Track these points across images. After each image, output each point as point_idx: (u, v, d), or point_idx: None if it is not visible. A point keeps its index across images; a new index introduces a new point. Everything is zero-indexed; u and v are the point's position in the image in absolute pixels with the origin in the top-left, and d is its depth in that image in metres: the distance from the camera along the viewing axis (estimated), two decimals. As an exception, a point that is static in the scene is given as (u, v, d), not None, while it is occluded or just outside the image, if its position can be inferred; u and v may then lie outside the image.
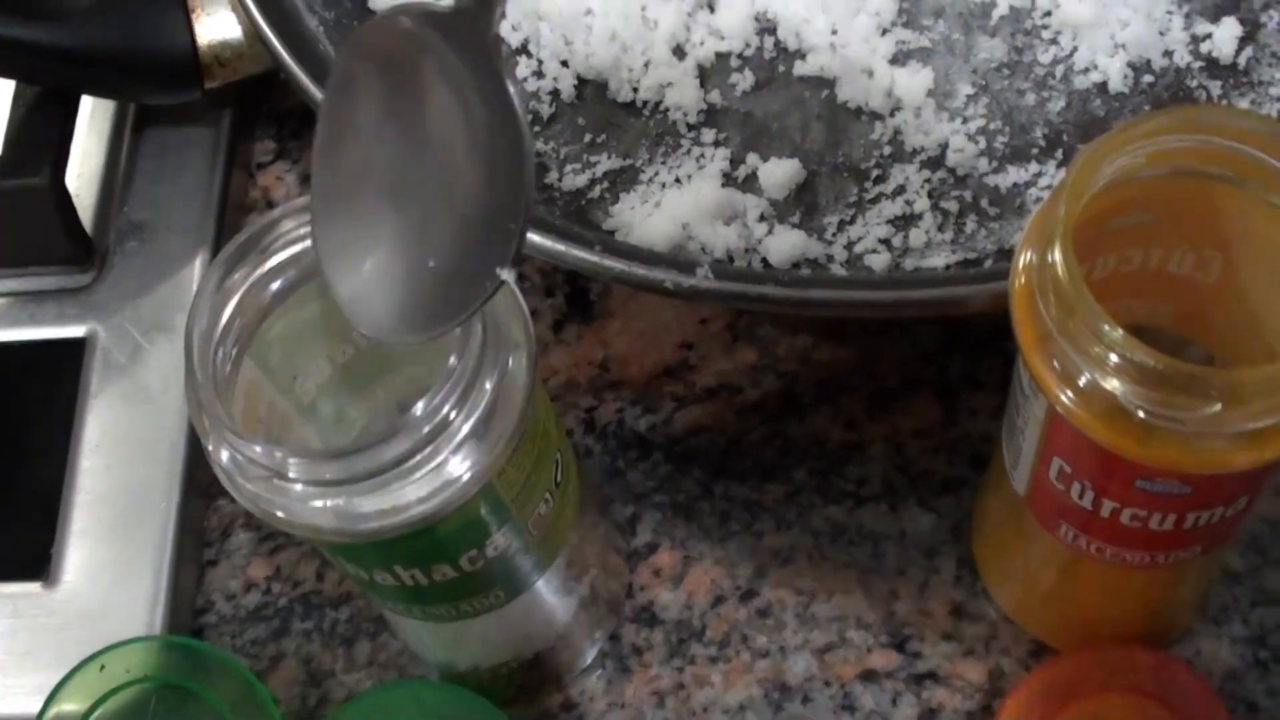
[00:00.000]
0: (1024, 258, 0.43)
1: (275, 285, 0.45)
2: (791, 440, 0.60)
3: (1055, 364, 0.41)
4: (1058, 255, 0.40)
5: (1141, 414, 0.40)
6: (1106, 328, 0.39)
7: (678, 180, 0.62)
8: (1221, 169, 0.43)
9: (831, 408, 0.60)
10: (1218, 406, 0.39)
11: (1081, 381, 0.40)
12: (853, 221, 0.61)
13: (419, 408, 0.41)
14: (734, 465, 0.60)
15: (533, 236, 0.55)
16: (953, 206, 0.61)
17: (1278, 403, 0.39)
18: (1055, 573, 0.52)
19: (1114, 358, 0.39)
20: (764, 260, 0.60)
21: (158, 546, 0.61)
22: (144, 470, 0.63)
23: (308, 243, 0.44)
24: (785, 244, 0.60)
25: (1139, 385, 0.39)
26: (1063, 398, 0.41)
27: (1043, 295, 0.41)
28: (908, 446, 0.60)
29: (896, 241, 0.60)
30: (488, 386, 0.42)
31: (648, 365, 0.62)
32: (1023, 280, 0.42)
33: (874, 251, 0.60)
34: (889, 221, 0.61)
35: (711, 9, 0.65)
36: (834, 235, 0.61)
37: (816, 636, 0.57)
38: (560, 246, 0.55)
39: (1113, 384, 0.40)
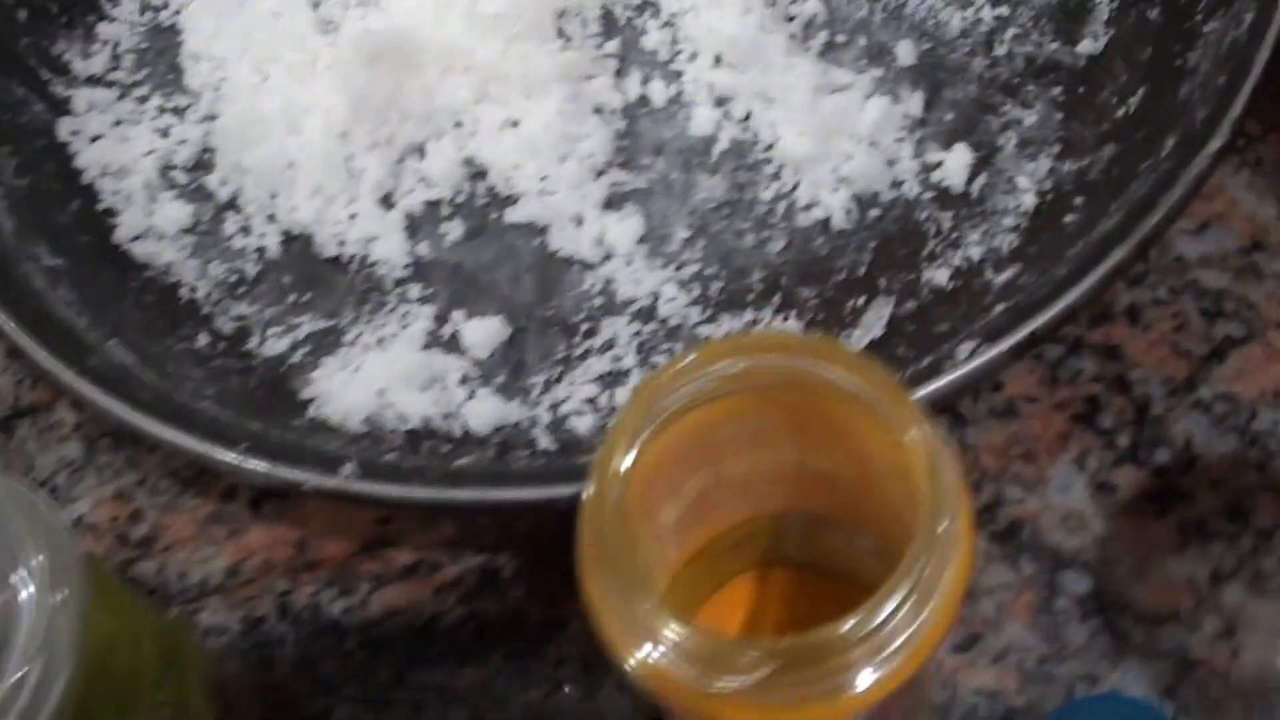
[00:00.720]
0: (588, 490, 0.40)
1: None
2: (489, 619, 0.57)
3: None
4: (607, 519, 0.37)
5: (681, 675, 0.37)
6: (644, 604, 0.36)
7: (380, 342, 0.59)
8: (787, 384, 0.40)
9: (531, 582, 0.57)
10: (765, 671, 0.36)
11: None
12: (559, 380, 0.58)
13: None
14: (429, 649, 0.57)
15: (171, 434, 0.52)
16: (663, 361, 0.58)
17: (831, 666, 0.36)
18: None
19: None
20: (464, 429, 0.57)
21: None
22: None
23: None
24: (485, 410, 0.57)
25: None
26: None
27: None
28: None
29: (603, 401, 0.57)
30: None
31: (345, 543, 0.59)
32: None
33: (579, 414, 0.57)
34: (596, 379, 0.58)
35: (421, 155, 0.62)
36: (540, 396, 0.58)
37: (512, 833, 0.54)
38: (200, 447, 0.52)
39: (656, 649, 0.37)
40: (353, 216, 0.61)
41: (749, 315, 0.58)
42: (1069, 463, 0.57)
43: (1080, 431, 0.58)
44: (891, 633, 0.37)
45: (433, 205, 0.62)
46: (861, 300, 0.58)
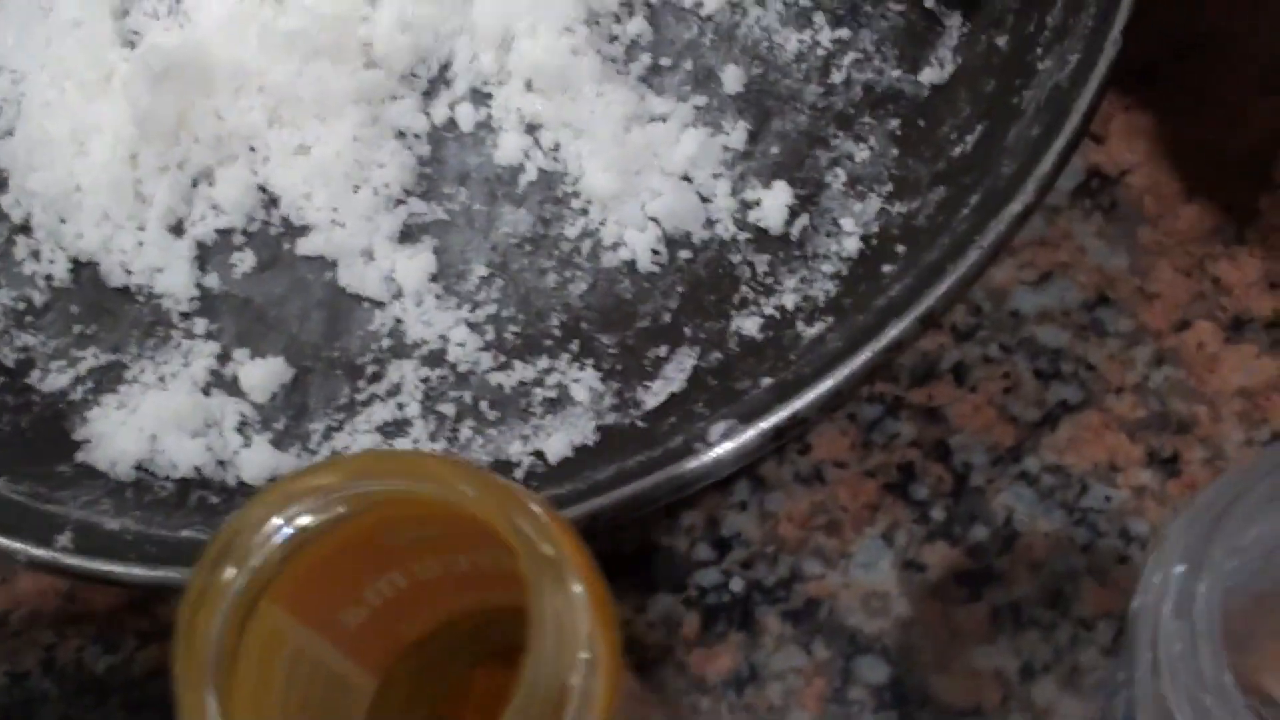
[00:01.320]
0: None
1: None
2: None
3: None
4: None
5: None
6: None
7: (161, 380, 0.56)
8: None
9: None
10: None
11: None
12: (340, 428, 0.54)
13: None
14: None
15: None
16: (449, 410, 0.54)
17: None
18: None
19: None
20: (237, 478, 0.53)
21: None
22: None
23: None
24: (259, 459, 0.53)
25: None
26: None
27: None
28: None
29: (382, 453, 0.53)
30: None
31: (113, 595, 0.55)
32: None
33: (355, 467, 0.53)
34: (378, 428, 0.54)
35: (212, 181, 0.58)
36: (319, 444, 0.54)
37: None
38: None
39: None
40: (140, 244, 0.58)
41: (544, 363, 0.54)
42: (876, 537, 0.53)
43: (891, 502, 0.53)
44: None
45: (224, 234, 0.58)
46: (664, 349, 0.53)
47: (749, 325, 0.54)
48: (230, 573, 0.35)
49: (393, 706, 0.45)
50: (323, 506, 0.36)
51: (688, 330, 0.54)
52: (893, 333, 0.47)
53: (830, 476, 0.54)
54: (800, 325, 0.54)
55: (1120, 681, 0.40)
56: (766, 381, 0.49)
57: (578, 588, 0.34)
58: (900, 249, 0.54)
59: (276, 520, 0.36)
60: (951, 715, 0.50)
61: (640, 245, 0.55)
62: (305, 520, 0.36)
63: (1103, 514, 0.52)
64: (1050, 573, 0.52)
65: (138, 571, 0.48)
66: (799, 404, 0.46)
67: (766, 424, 0.46)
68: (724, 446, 0.46)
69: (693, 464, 0.46)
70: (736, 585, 0.53)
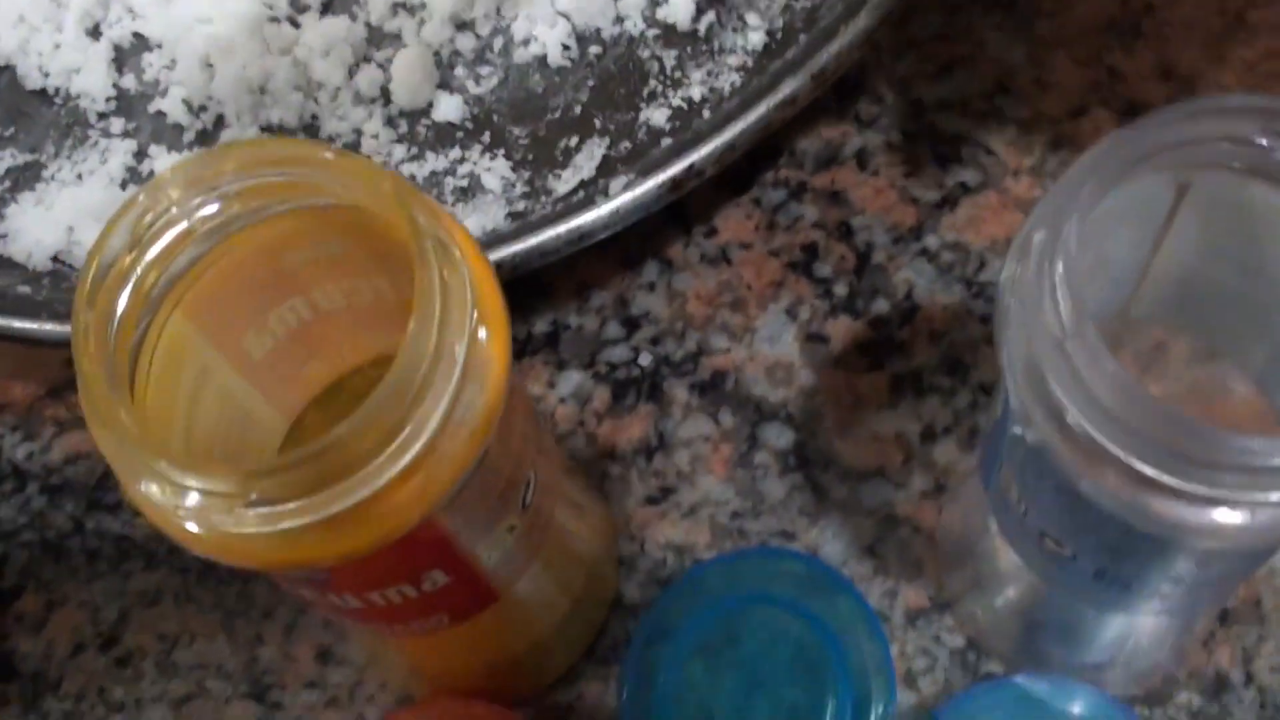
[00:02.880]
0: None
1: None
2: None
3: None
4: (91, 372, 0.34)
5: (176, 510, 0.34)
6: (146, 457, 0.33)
7: (78, 177, 0.56)
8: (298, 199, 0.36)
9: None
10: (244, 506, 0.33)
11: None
12: (255, 219, 0.55)
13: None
14: (108, 496, 0.54)
15: None
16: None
17: (314, 500, 0.33)
18: (386, 647, 0.47)
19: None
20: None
21: None
22: None
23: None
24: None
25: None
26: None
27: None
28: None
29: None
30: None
31: (33, 385, 0.56)
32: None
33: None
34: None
35: (128, -16, 0.59)
36: (235, 235, 0.55)
37: (175, 687, 0.52)
38: None
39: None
40: (57, 47, 0.58)
41: (456, 154, 0.55)
42: (780, 312, 0.54)
43: (795, 280, 0.54)
44: (407, 437, 0.33)
45: (140, 37, 0.58)
46: (574, 140, 0.54)
47: (657, 116, 0.55)
48: (129, 256, 0.36)
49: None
50: (220, 199, 0.36)
51: (597, 122, 0.55)
52: (786, 90, 0.48)
53: (736, 257, 0.55)
54: (706, 114, 0.55)
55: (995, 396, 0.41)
56: (667, 143, 0.50)
57: (465, 269, 0.35)
58: (803, 38, 0.55)
59: (175, 210, 0.36)
60: (855, 476, 0.51)
61: (551, 40, 0.56)
62: (207, 210, 0.36)
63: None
64: (950, 342, 0.53)
65: (50, 327, 0.48)
66: (695, 156, 0.47)
67: (664, 175, 0.47)
68: (623, 197, 0.47)
69: (592, 215, 0.47)
70: (645, 360, 0.54)
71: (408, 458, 0.34)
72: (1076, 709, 0.47)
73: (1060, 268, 0.33)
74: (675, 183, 0.47)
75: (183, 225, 0.36)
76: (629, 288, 0.55)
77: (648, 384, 0.53)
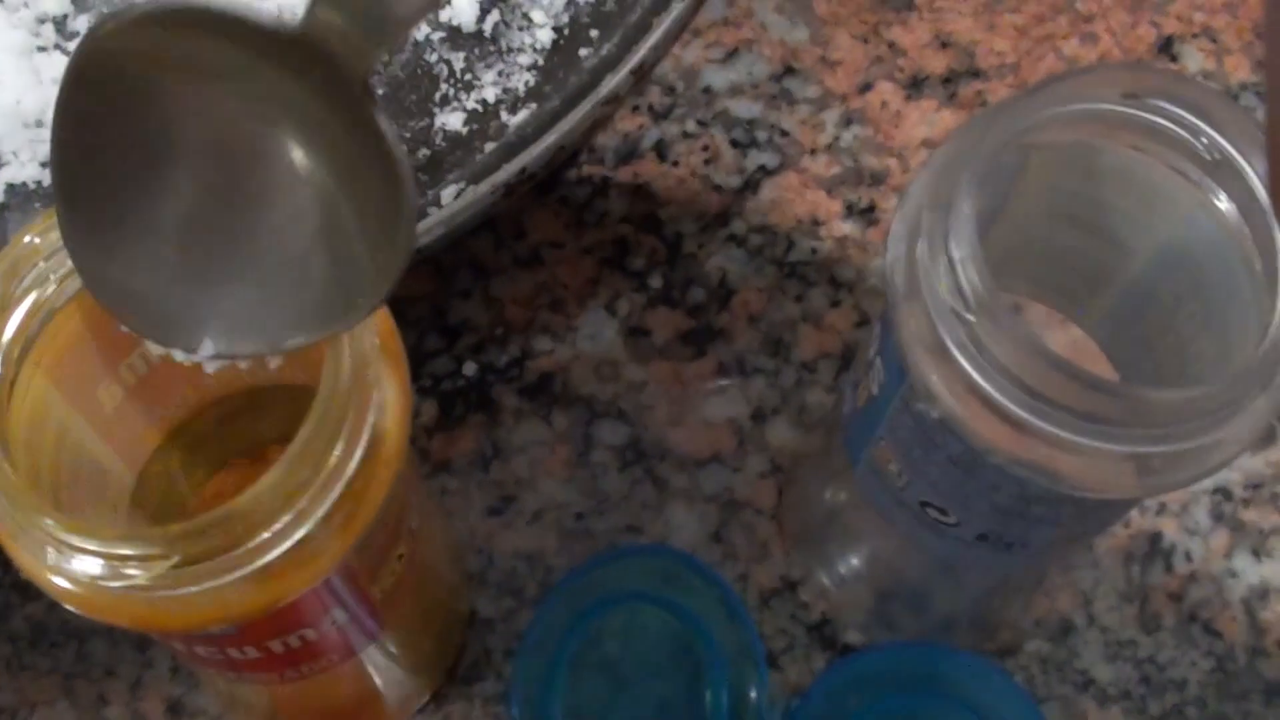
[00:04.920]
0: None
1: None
2: (-17, 530, 0.51)
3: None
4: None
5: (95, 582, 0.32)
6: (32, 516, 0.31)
7: None
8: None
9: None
10: (168, 565, 0.31)
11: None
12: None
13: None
14: (-83, 567, 0.51)
15: None
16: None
17: (247, 545, 0.32)
18: (243, 691, 0.46)
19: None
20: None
21: None
22: None
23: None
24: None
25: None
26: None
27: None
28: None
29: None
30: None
31: None
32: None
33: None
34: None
35: None
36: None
37: (15, 760, 0.49)
38: None
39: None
40: None
41: (250, 175, 0.53)
42: (599, 309, 0.54)
43: (610, 275, 0.54)
44: (308, 504, 0.32)
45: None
46: (371, 151, 0.53)
47: (453, 120, 0.54)
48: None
49: (149, 503, 0.44)
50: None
51: (391, 130, 0.54)
52: (607, 86, 0.48)
53: (549, 257, 0.55)
54: (504, 115, 0.54)
55: (860, 375, 0.42)
56: (490, 146, 0.49)
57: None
58: (594, 34, 0.55)
59: (43, 263, 0.34)
60: (692, 464, 0.52)
61: (333, 51, 0.55)
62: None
63: (810, 265, 0.55)
64: (768, 323, 0.54)
65: None
66: (527, 158, 0.47)
67: (497, 179, 0.47)
68: (455, 205, 0.46)
69: (424, 225, 0.46)
70: (469, 370, 0.53)
71: (332, 497, 0.33)
72: (942, 669, 0.48)
73: (958, 247, 0.34)
74: (509, 187, 0.46)
75: (48, 280, 0.35)
76: (444, 296, 0.54)
77: (475, 394, 0.53)
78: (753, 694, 0.46)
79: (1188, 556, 0.50)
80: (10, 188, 0.53)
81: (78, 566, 0.32)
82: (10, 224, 0.52)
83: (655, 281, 0.54)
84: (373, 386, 0.33)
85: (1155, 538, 0.50)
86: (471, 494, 0.51)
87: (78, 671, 0.50)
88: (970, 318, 0.34)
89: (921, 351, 0.36)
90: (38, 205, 0.52)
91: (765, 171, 0.56)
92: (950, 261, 0.34)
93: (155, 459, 0.43)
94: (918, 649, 0.47)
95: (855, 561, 0.50)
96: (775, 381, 0.52)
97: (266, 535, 0.32)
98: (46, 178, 0.53)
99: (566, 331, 0.53)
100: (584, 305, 0.53)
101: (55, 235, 0.34)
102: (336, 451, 0.32)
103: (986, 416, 0.35)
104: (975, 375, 0.34)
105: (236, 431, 0.46)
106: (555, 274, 0.54)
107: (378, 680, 0.46)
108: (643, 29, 0.48)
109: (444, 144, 0.52)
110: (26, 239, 0.34)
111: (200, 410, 0.43)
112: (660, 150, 0.56)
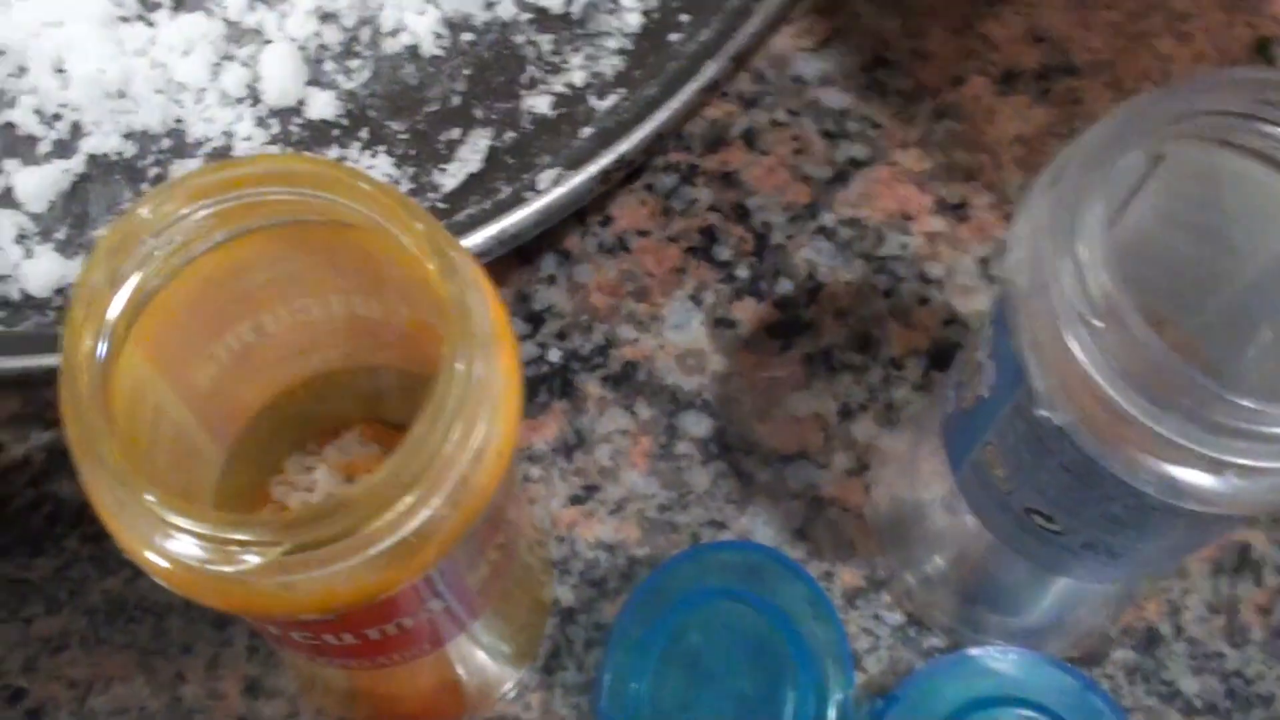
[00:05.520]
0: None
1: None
2: (63, 503, 0.51)
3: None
4: (84, 407, 0.31)
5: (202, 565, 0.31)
6: (137, 495, 0.30)
7: (-75, 197, 0.52)
8: (298, 219, 0.34)
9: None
10: (278, 552, 0.31)
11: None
12: (126, 234, 0.51)
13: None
14: (-6, 537, 0.51)
15: None
16: (242, 207, 0.51)
17: (353, 536, 0.31)
18: (324, 674, 0.45)
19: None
20: (22, 291, 0.51)
21: None
22: None
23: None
24: (44, 269, 0.51)
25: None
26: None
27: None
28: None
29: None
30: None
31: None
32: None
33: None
34: (167, 231, 0.51)
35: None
36: (105, 252, 0.51)
37: (92, 735, 0.48)
38: None
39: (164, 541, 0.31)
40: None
41: (335, 152, 0.52)
42: (685, 298, 0.53)
43: (696, 265, 0.54)
44: (423, 494, 0.32)
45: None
46: (457, 132, 0.53)
47: (540, 104, 0.54)
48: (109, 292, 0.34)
49: (237, 486, 0.43)
50: (213, 214, 0.34)
51: (479, 112, 0.54)
52: (709, 73, 0.47)
53: (634, 245, 0.54)
54: (592, 100, 0.53)
55: (966, 377, 0.41)
56: (587, 132, 0.48)
57: (482, 290, 0.34)
58: (684, 18, 0.54)
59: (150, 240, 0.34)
60: (778, 459, 0.51)
61: (421, 29, 0.54)
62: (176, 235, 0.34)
63: (900, 260, 0.54)
64: (857, 319, 0.53)
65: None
66: (625, 146, 0.46)
67: (595, 167, 0.46)
68: (555, 192, 0.46)
69: (523, 213, 0.46)
70: (554, 356, 0.52)
71: (446, 487, 0.32)
72: (1028, 675, 0.47)
73: (1087, 250, 0.33)
74: (605, 174, 0.45)
75: (154, 257, 0.34)
76: (528, 282, 0.53)
77: (559, 380, 0.52)
78: (838, 694, 0.46)
79: (1278, 570, 0.49)
80: (91, 158, 0.53)
81: (181, 548, 0.31)
82: (91, 195, 0.51)
83: (742, 272, 0.53)
84: (488, 374, 0.32)
85: (1244, 550, 0.50)
86: (554, 482, 0.50)
87: (154, 648, 0.49)
88: (1098, 323, 0.33)
89: (1044, 357, 0.35)
90: (118, 177, 0.52)
91: (855, 164, 0.55)
92: (1077, 265, 0.33)
93: (244, 437, 0.43)
94: (1004, 654, 0.47)
95: (942, 562, 0.49)
96: (863, 378, 0.52)
97: (378, 524, 0.31)
98: (129, 149, 0.52)
99: (651, 321, 0.52)
100: (669, 294, 0.53)
101: (166, 209, 0.33)
102: (452, 440, 0.32)
103: (1112, 426, 0.34)
104: (1102, 383, 0.33)
105: (320, 412, 0.45)
106: (641, 261, 0.53)
107: (460, 668, 0.45)
108: (743, 14, 0.47)
109: (531, 127, 0.52)
110: (141, 211, 0.33)
111: (290, 390, 0.43)
112: (749, 138, 0.55)
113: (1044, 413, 0.36)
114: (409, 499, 0.32)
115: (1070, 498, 0.38)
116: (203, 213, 0.34)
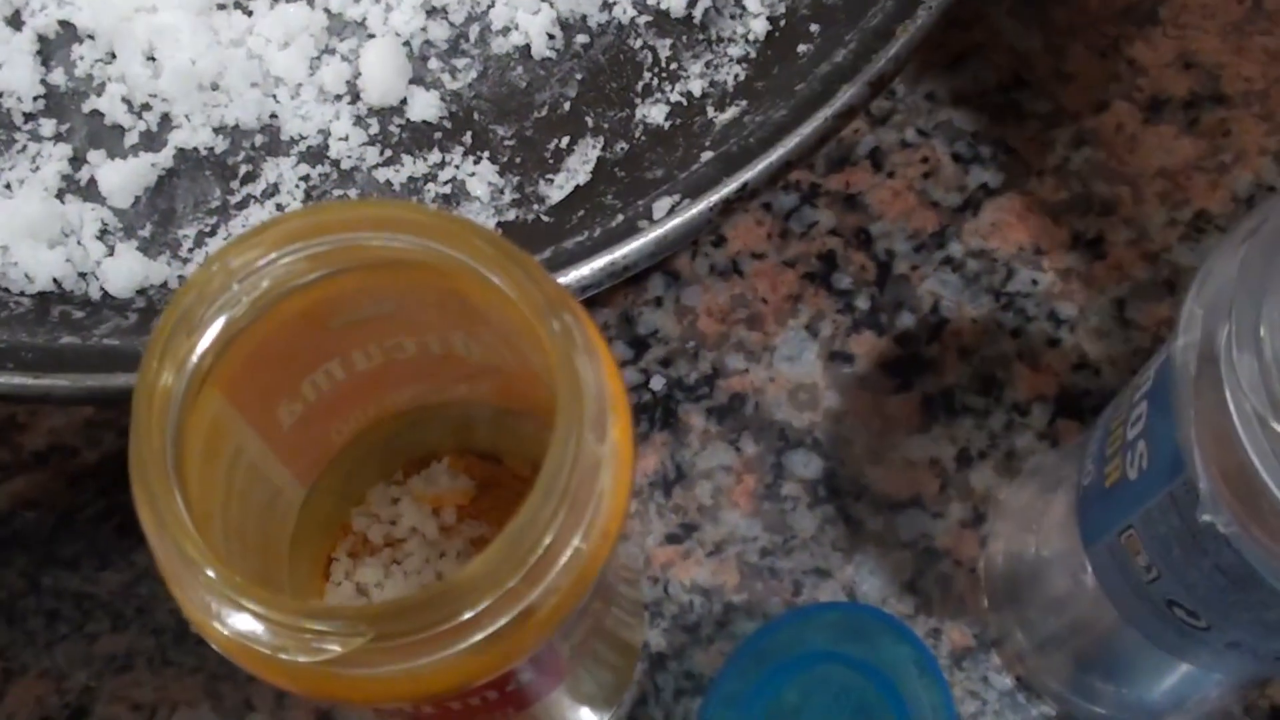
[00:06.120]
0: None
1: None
2: (134, 515, 0.48)
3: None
4: (151, 470, 0.28)
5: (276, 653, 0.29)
6: (204, 571, 0.28)
7: (7, 187, 0.50)
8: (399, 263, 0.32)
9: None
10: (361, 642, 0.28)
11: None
12: (213, 233, 0.49)
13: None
14: (65, 549, 0.48)
15: None
16: (336, 210, 0.49)
17: (429, 637, 0.28)
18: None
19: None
20: (102, 290, 0.48)
21: None
22: None
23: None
24: (125, 268, 0.48)
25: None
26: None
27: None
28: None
29: (264, 258, 0.48)
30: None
31: (-36, 424, 0.50)
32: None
33: (235, 272, 0.48)
34: (258, 232, 0.49)
35: (52, -34, 0.52)
36: (190, 251, 0.49)
37: (154, 763, 0.46)
38: None
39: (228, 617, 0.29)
40: (-27, 38, 0.51)
41: (435, 157, 0.50)
42: (799, 328, 0.50)
43: (813, 293, 0.50)
44: (523, 583, 0.29)
45: (67, 26, 0.52)
46: (565, 140, 0.50)
47: (655, 113, 0.51)
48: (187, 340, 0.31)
49: (316, 520, 0.41)
50: (306, 258, 0.31)
51: (589, 120, 0.50)
52: (844, 98, 0.44)
53: (748, 268, 0.51)
54: (711, 111, 0.50)
55: (1111, 451, 0.38)
56: (707, 156, 0.45)
57: (597, 354, 0.31)
58: (814, 28, 0.50)
59: (236, 285, 0.31)
60: (889, 506, 0.48)
61: (533, 29, 0.51)
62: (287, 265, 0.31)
63: (1030, 297, 0.50)
64: (981, 359, 0.50)
65: (19, 380, 0.42)
66: (748, 174, 0.43)
67: (716, 196, 0.43)
68: (671, 223, 0.42)
69: (637, 244, 0.43)
70: (657, 384, 0.50)
71: (547, 580, 0.29)
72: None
73: (1276, 346, 0.30)
74: (726, 204, 0.42)
75: (240, 302, 0.31)
76: (634, 304, 0.50)
77: (661, 410, 0.49)
78: (943, 765, 0.43)
79: None
80: (180, 153, 0.50)
81: (246, 627, 0.29)
82: (178, 192, 0.49)
83: (862, 303, 0.50)
84: (598, 451, 0.30)
85: (1391, 629, 0.46)
86: (650, 518, 0.48)
87: (223, 673, 0.47)
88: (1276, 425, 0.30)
89: (1211, 456, 0.31)
90: (208, 174, 0.49)
91: (987, 190, 0.51)
92: (1261, 359, 0.30)
93: (325, 474, 0.40)
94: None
95: (1059, 627, 0.46)
96: (984, 423, 0.48)
97: (470, 615, 0.29)
98: (219, 144, 0.50)
99: (762, 351, 0.49)
100: (783, 323, 0.50)
101: (252, 255, 0.31)
102: (557, 524, 0.29)
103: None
104: (1273, 486, 0.30)
105: (407, 442, 0.42)
106: (754, 286, 0.50)
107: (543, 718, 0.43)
108: (882, 35, 0.43)
109: (643, 138, 0.49)
110: (229, 262, 0.30)
111: (374, 425, 0.40)
112: (875, 159, 0.52)
113: (1207, 517, 0.32)
114: (509, 585, 0.29)
115: (1222, 600, 0.35)
116: (291, 257, 0.31)
